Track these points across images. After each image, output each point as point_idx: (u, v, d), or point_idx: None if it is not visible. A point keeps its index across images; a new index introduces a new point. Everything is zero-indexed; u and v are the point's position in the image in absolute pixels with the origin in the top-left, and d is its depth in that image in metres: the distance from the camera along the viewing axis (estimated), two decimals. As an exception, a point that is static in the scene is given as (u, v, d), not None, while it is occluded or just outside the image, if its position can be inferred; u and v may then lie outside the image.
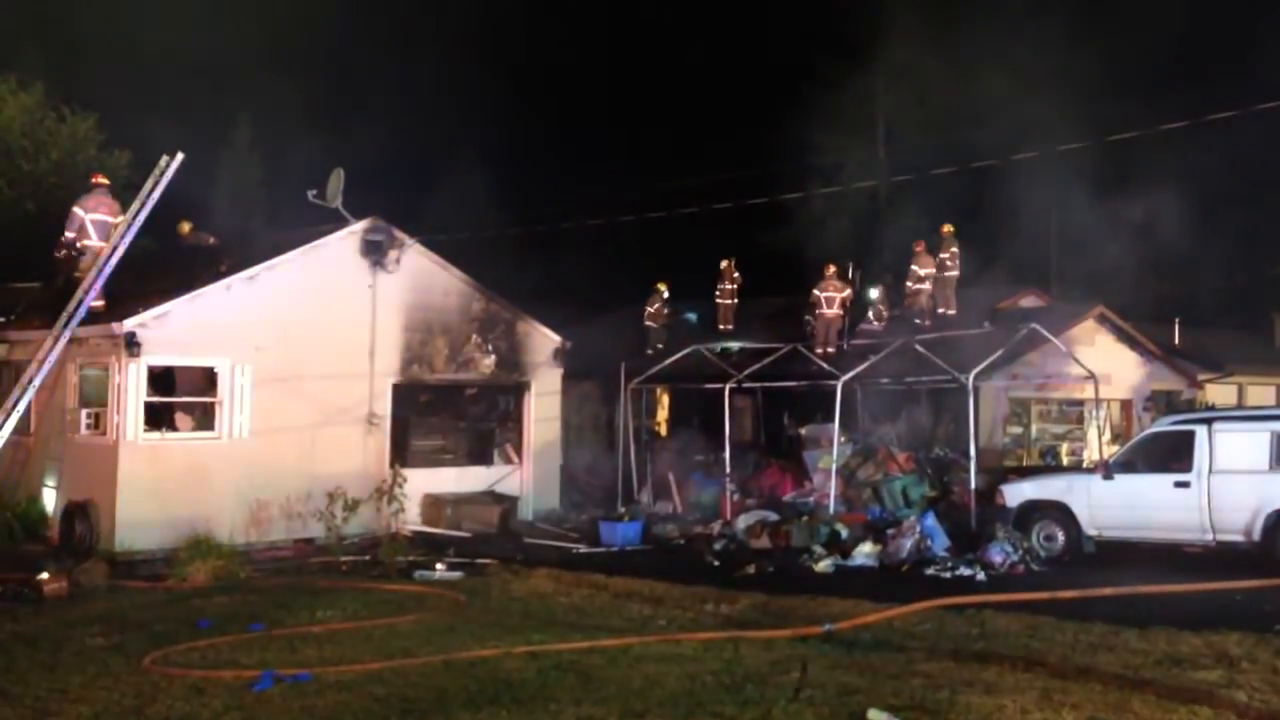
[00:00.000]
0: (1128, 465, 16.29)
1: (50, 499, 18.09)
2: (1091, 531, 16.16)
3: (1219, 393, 30.04)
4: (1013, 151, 28.37)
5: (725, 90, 47.76)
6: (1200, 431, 15.51)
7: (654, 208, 33.33)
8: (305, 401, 18.35)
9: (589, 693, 9.04)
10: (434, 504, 19.89)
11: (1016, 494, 16.93)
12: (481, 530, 19.56)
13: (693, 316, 29.47)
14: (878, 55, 35.61)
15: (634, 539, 18.82)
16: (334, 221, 19.93)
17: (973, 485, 18.28)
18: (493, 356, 21.13)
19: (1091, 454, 22.64)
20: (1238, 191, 29.12)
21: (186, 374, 17.87)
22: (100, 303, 17.37)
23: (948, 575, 15.30)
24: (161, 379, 17.50)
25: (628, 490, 22.30)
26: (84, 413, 17.55)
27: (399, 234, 19.86)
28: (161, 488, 16.82)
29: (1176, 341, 30.78)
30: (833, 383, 19.95)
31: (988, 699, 8.69)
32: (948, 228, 24.78)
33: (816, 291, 24.04)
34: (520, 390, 21.76)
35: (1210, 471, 15.22)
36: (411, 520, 19.18)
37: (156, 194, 17.53)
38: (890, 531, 17.06)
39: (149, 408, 17.10)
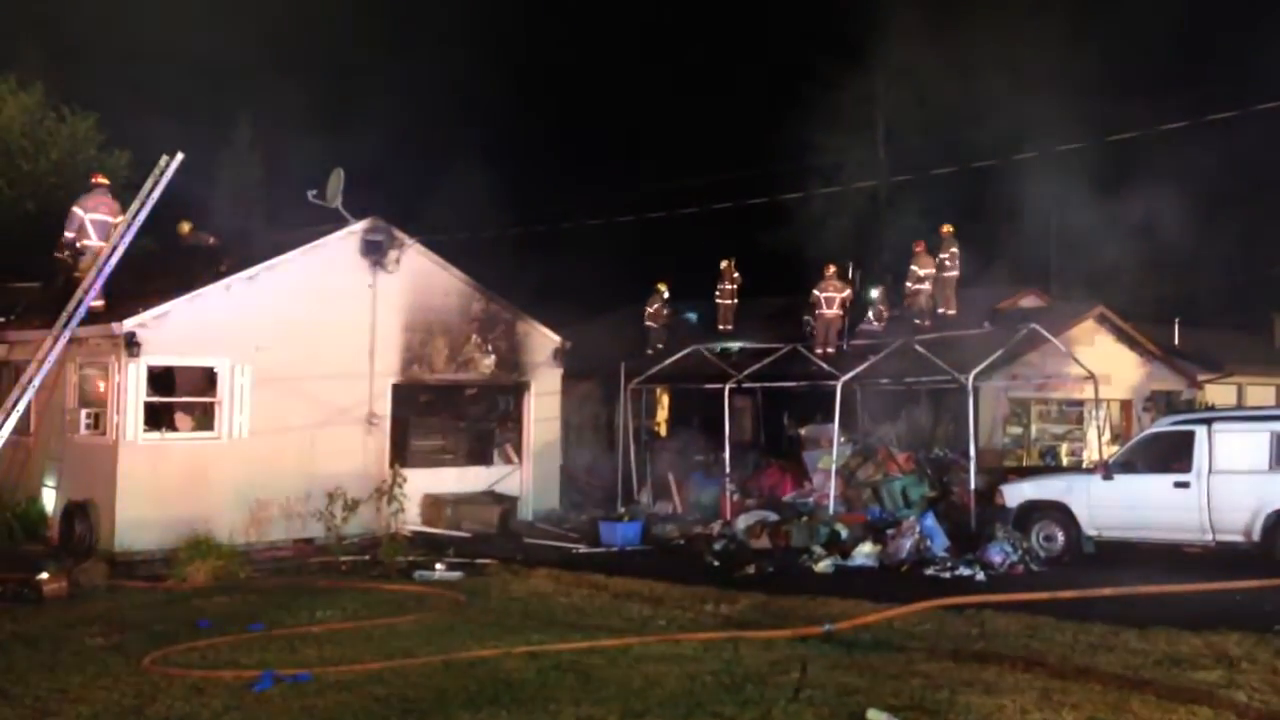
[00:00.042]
0: (1127, 465, 16.28)
1: (50, 499, 18.08)
2: (1091, 532, 16.16)
3: (1218, 393, 30.03)
4: (1013, 151, 28.37)
5: (725, 90, 47.83)
6: (1200, 432, 15.50)
7: (654, 208, 33.36)
8: (305, 401, 18.35)
9: (589, 693, 9.05)
10: (434, 504, 19.89)
11: (1016, 494, 16.92)
12: (481, 530, 19.56)
13: (693, 316, 29.48)
14: (878, 55, 35.68)
15: (634, 539, 18.81)
16: (334, 221, 19.92)
17: (972, 485, 18.28)
18: (492, 356, 21.12)
19: (1091, 454, 22.65)
20: (1238, 191, 29.15)
21: (186, 374, 17.87)
22: (100, 303, 17.36)
23: (947, 575, 15.30)
24: (161, 379, 17.49)
25: (627, 490, 22.29)
26: (84, 413, 17.54)
27: (399, 234, 19.86)
28: (161, 488, 16.82)
29: (1176, 341, 30.77)
30: (832, 383, 19.95)
31: (987, 699, 8.70)
32: (947, 228, 24.79)
33: (816, 292, 24.04)
34: (520, 390, 21.76)
35: (1210, 472, 15.21)
36: (411, 520, 19.17)
37: (156, 194, 17.51)
38: (890, 532, 17.06)
39: (149, 408, 17.10)
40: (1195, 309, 33.49)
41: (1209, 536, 15.21)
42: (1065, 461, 23.39)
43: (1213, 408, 24.31)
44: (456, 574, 15.63)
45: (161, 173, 17.54)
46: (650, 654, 10.44)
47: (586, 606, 13.42)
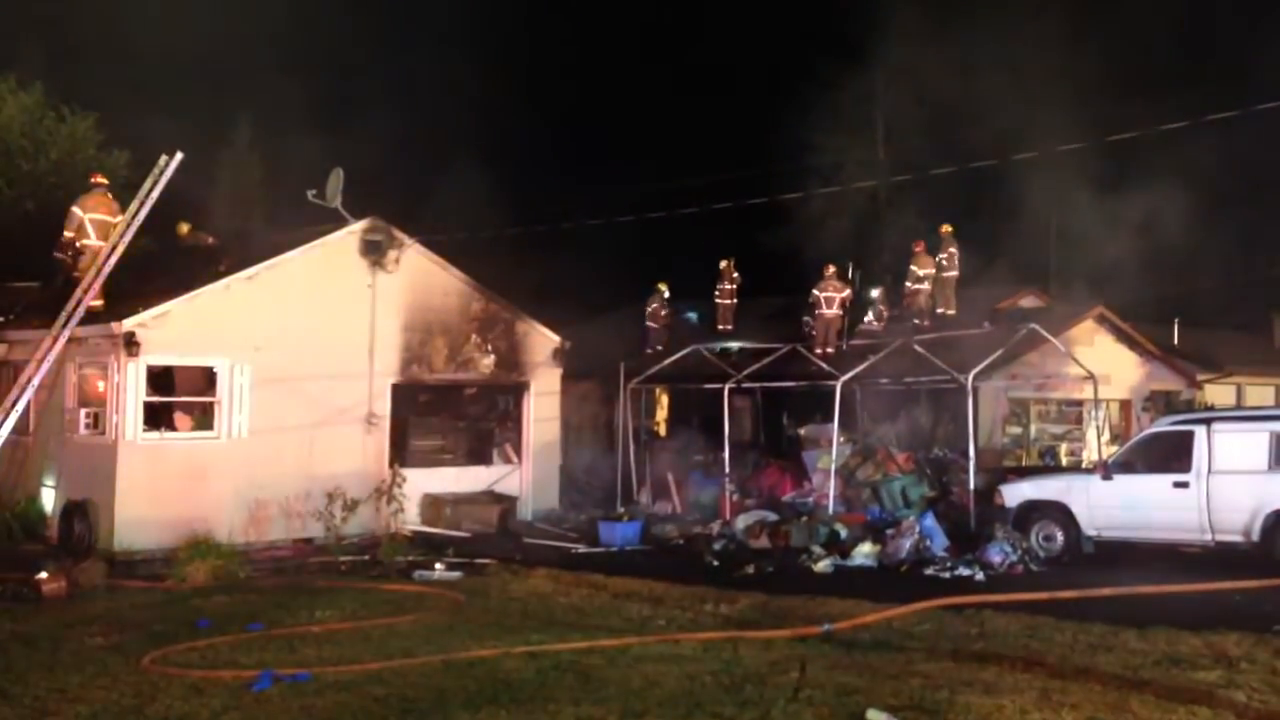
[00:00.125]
0: (1127, 465, 16.29)
1: (49, 498, 18.07)
2: (1090, 532, 16.16)
3: (1218, 393, 30.03)
4: (1012, 151, 28.35)
5: (725, 90, 47.84)
6: (1199, 432, 15.51)
7: (654, 208, 33.31)
8: (304, 401, 18.34)
9: (588, 693, 9.04)
10: (433, 504, 19.89)
11: (1015, 494, 16.92)
12: (481, 530, 19.56)
13: (693, 316, 29.48)
14: (877, 55, 35.65)
15: (633, 539, 18.80)
16: (333, 221, 19.92)
17: (972, 485, 18.29)
18: (492, 356, 21.11)
19: (1090, 454, 22.66)
20: (1237, 191, 29.14)
21: (185, 374, 17.87)
22: (99, 302, 17.36)
23: (947, 575, 15.30)
24: (161, 379, 17.49)
25: (627, 490, 22.29)
26: (83, 412, 17.54)
27: (398, 234, 19.86)
28: (160, 487, 16.82)
29: (1176, 342, 30.77)
30: (832, 383, 19.96)
31: (987, 699, 8.69)
32: (947, 228, 24.80)
33: (816, 291, 24.04)
34: (520, 390, 21.75)
35: (1209, 472, 15.22)
36: (411, 520, 19.18)
37: (155, 194, 17.52)
38: (889, 532, 17.06)
39: (148, 407, 17.10)
40: (1195, 309, 33.46)
41: (1208, 536, 15.21)
42: (1065, 461, 23.41)
43: (1212, 408, 24.32)
44: (456, 574, 15.63)
45: (161, 172, 17.56)
46: (649, 654, 10.44)
47: (586, 606, 13.42)
